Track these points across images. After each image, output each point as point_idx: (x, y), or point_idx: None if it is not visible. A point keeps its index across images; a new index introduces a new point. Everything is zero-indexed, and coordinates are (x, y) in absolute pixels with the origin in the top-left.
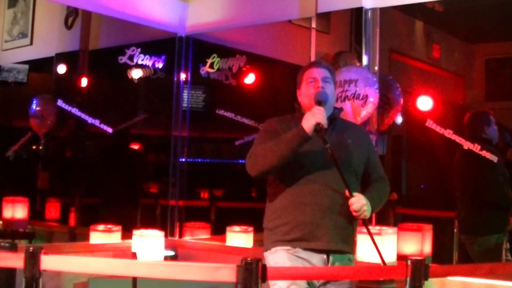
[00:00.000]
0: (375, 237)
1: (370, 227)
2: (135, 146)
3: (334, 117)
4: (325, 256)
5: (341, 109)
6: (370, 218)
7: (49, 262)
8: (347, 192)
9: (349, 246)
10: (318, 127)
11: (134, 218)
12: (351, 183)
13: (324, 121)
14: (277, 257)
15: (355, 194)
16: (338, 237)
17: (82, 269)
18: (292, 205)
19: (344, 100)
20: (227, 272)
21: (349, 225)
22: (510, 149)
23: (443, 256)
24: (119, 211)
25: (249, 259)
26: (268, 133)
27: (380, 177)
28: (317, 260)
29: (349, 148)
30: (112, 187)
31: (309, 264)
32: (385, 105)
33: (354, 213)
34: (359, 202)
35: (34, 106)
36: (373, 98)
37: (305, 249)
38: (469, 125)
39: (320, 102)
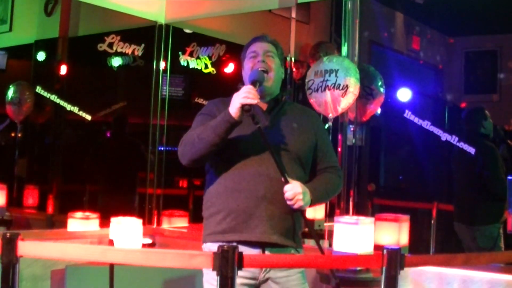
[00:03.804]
0: (352, 227)
1: (347, 216)
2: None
3: (279, 98)
4: (259, 251)
5: (289, 91)
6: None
7: (26, 248)
8: (283, 179)
9: (290, 239)
10: (246, 108)
11: (113, 206)
12: (292, 171)
13: (251, 101)
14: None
15: (291, 181)
16: (275, 229)
17: (58, 255)
18: (225, 192)
19: (325, 89)
20: (204, 260)
21: (288, 216)
22: (504, 145)
23: (420, 247)
24: (112, 199)
25: (225, 246)
26: (204, 116)
27: (331, 166)
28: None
29: (293, 133)
30: (106, 175)
31: None
32: (368, 95)
33: (288, 202)
34: (292, 190)
35: (10, 93)
36: (354, 88)
37: (239, 242)
38: (468, 121)
39: (254, 82)
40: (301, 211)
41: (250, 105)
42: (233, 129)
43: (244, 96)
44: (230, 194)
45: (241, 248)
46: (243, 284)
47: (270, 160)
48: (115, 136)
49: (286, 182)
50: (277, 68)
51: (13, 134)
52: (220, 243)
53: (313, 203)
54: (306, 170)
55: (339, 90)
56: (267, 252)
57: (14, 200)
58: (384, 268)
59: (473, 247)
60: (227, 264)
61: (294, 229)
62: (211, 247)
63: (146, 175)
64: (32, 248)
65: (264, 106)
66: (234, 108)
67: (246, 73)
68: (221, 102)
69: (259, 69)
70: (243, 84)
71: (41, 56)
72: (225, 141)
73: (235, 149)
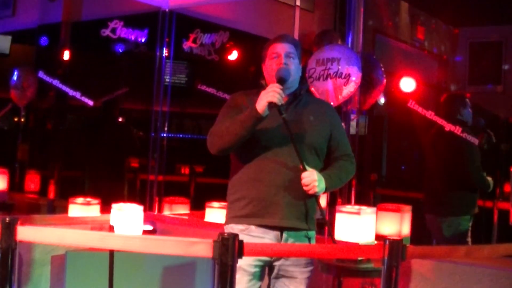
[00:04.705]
0: (354, 216)
1: (349, 206)
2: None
3: (298, 93)
4: (278, 233)
5: (307, 86)
6: (351, 196)
7: (25, 233)
8: (301, 167)
9: (305, 223)
10: (272, 105)
11: (115, 192)
12: (309, 160)
13: (277, 100)
14: None
15: (308, 169)
16: (292, 214)
17: (57, 240)
18: (248, 181)
19: (326, 78)
20: (203, 247)
21: (304, 202)
22: (484, 135)
23: (421, 238)
24: (101, 185)
25: (225, 234)
26: (230, 109)
27: (345, 154)
28: (270, 237)
29: (310, 125)
30: (96, 160)
31: (261, 241)
32: (367, 84)
33: (304, 187)
34: (310, 177)
35: (15, 78)
36: (356, 77)
37: (259, 226)
38: (445, 106)
39: (281, 79)
40: (316, 197)
41: (275, 104)
42: (259, 123)
43: (272, 94)
44: (252, 183)
45: (262, 231)
46: (259, 260)
47: (288, 151)
48: (106, 120)
49: (304, 169)
50: (296, 68)
51: (16, 119)
52: (242, 227)
53: (328, 189)
54: (321, 158)
55: (341, 79)
56: (284, 235)
57: (16, 184)
58: (385, 259)
59: (441, 240)
60: (227, 252)
61: (308, 214)
62: (234, 226)
63: (148, 161)
64: (31, 233)
65: (284, 100)
66: (261, 105)
67: (267, 70)
68: (244, 94)
69: (284, 67)
70: (264, 79)
71: (43, 41)
72: (251, 134)
73: (257, 141)
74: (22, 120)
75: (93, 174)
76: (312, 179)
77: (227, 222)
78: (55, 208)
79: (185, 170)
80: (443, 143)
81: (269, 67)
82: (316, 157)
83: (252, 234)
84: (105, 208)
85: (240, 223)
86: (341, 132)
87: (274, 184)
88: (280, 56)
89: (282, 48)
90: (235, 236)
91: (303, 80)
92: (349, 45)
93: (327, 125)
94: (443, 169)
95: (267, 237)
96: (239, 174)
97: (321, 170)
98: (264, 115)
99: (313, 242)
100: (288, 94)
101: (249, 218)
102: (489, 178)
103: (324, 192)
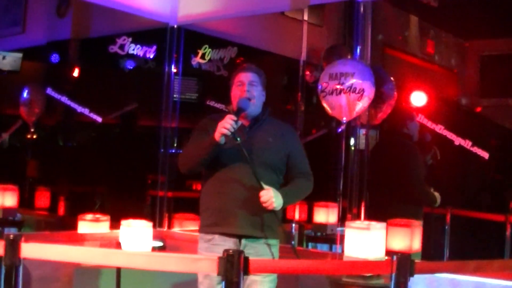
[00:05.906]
0: (363, 232)
1: (358, 222)
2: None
3: (259, 117)
4: (237, 240)
5: (268, 111)
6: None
7: (29, 250)
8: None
9: (263, 232)
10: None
11: (126, 209)
12: (266, 177)
13: (227, 132)
14: (200, 246)
15: (266, 187)
16: (248, 224)
17: (61, 257)
18: (210, 194)
19: (340, 93)
20: (208, 264)
21: (263, 213)
22: (432, 151)
23: (433, 253)
24: (109, 200)
25: (231, 250)
26: (198, 132)
27: (301, 172)
28: (229, 244)
29: (267, 145)
30: (115, 176)
31: (223, 248)
32: (377, 99)
33: (263, 204)
34: (267, 195)
35: (25, 94)
36: (369, 92)
37: (221, 234)
38: (392, 119)
39: (239, 109)
40: (274, 212)
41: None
42: (218, 149)
43: (223, 127)
44: (213, 196)
45: (222, 239)
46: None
47: (245, 169)
48: (124, 136)
49: (261, 188)
50: (258, 94)
51: (28, 136)
52: (207, 234)
53: (284, 205)
54: (279, 175)
55: (355, 94)
56: (243, 241)
57: (26, 201)
58: (393, 275)
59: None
60: (232, 268)
61: (264, 225)
62: (203, 236)
63: (158, 177)
64: (35, 250)
65: (246, 123)
66: (216, 135)
67: (233, 98)
68: (212, 119)
69: (245, 97)
70: (231, 105)
71: (52, 57)
72: (212, 157)
73: (219, 160)
74: (34, 136)
75: (114, 190)
76: (269, 196)
77: (199, 231)
78: (65, 224)
79: (197, 186)
80: (388, 156)
81: (235, 94)
82: (274, 174)
83: (214, 243)
84: (115, 225)
85: (205, 232)
86: (299, 152)
87: (232, 197)
88: (244, 84)
89: (246, 77)
90: (241, 252)
91: (266, 106)
92: (357, 59)
93: (284, 146)
94: (387, 182)
95: (227, 244)
96: (204, 188)
97: (281, 185)
98: (221, 142)
99: (275, 249)
100: (250, 118)
101: (212, 227)
102: (436, 194)
103: (281, 208)
